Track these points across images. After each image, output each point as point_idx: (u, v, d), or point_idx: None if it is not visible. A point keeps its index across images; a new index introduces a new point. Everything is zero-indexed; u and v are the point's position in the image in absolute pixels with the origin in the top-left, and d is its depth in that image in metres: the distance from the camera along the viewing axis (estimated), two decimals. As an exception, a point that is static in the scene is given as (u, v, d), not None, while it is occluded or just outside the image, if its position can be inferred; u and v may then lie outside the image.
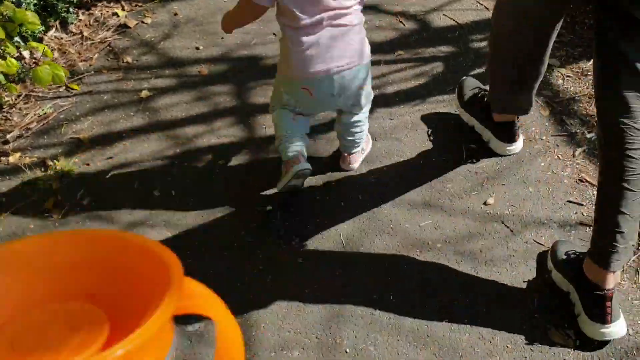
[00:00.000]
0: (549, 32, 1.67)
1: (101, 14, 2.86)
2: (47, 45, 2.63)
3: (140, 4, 2.92)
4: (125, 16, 2.84)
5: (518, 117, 1.94)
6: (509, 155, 1.99)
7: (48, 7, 2.63)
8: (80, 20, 2.80)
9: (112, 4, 2.92)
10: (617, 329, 1.48)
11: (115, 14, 2.85)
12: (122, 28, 2.77)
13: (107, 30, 2.76)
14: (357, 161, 1.98)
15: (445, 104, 2.21)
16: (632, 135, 1.38)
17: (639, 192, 1.40)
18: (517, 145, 1.98)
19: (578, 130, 2.02)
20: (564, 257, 1.63)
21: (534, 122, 2.08)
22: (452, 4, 2.69)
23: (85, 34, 2.74)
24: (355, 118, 1.86)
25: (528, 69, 1.76)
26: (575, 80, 2.21)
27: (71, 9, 2.75)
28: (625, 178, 1.39)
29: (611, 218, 1.43)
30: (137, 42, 2.69)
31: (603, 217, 1.49)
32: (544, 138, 2.03)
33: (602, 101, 1.47)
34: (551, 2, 1.61)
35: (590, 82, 2.18)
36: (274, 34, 2.64)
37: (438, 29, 2.56)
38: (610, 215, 1.44)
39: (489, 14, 2.56)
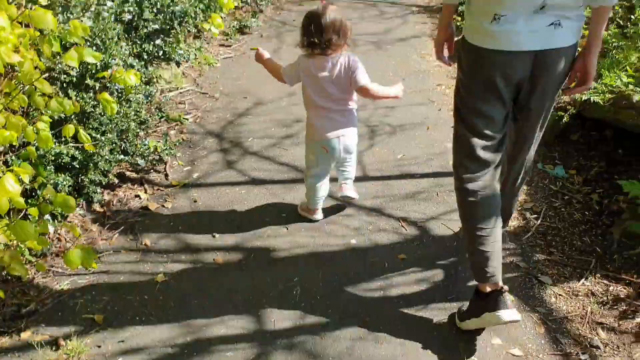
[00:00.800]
0: None
1: (125, 195, 3.07)
2: (70, 222, 2.80)
3: (162, 188, 3.15)
4: (147, 199, 3.05)
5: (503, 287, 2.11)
6: (506, 322, 2.07)
7: (78, 187, 2.84)
8: (105, 199, 3.00)
9: (135, 186, 3.15)
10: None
11: (138, 196, 3.07)
12: (144, 210, 2.97)
13: (129, 212, 2.95)
14: (348, 192, 2.90)
15: (446, 311, 2.34)
16: None
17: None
18: (514, 314, 2.06)
19: (572, 351, 2.14)
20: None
21: (531, 339, 2.20)
22: (449, 214, 2.93)
23: (107, 213, 2.92)
24: (348, 160, 2.85)
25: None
26: (567, 300, 2.37)
27: (98, 189, 2.96)
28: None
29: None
30: (156, 225, 2.86)
31: None
32: (540, 356, 2.13)
33: None
34: None
35: (582, 302, 2.35)
36: (286, 228, 2.83)
37: (437, 237, 2.77)
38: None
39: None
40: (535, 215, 2.88)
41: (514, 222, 2.84)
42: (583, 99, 3.25)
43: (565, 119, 3.32)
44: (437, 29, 2.34)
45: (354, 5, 7.03)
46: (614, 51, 3.60)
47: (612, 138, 3.24)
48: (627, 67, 3.35)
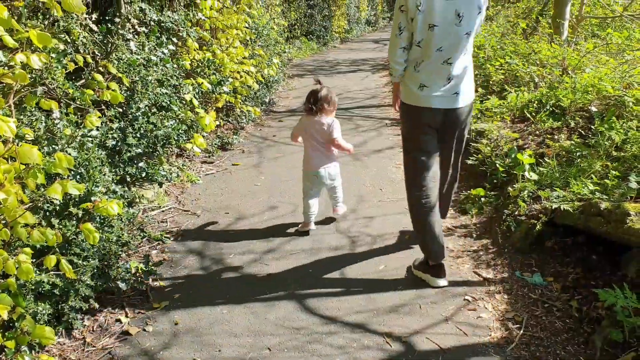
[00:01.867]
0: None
1: (105, 320, 3.03)
2: (48, 351, 2.74)
3: (143, 311, 3.12)
4: (128, 323, 3.01)
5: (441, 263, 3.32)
6: (440, 287, 3.28)
7: (58, 314, 2.80)
8: (85, 325, 2.96)
9: (117, 310, 3.12)
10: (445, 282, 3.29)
11: (119, 320, 3.03)
12: (124, 335, 2.92)
13: (110, 337, 2.90)
14: (341, 211, 4.22)
15: None
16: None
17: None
18: (445, 282, 3.30)
19: None
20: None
21: None
22: (433, 327, 2.93)
23: (87, 339, 2.87)
24: (335, 187, 4.09)
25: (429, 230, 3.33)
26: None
27: (78, 316, 2.92)
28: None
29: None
30: (137, 351, 2.81)
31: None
32: None
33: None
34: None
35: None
36: (269, 349, 2.80)
37: (423, 353, 2.75)
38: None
39: (468, 339, 2.80)
40: (518, 325, 2.89)
41: (497, 333, 2.85)
42: (553, 207, 3.37)
43: (538, 227, 3.43)
44: (392, 94, 3.58)
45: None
46: (578, 160, 3.78)
47: (585, 244, 3.32)
48: (592, 175, 3.52)
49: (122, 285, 3.12)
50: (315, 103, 3.86)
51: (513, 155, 4.14)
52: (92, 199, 2.82)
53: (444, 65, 3.06)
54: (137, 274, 3.28)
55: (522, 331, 2.85)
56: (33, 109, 2.91)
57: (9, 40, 2.35)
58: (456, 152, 3.43)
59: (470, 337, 2.84)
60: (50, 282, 2.68)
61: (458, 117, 3.20)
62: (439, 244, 3.28)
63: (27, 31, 2.37)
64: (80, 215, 2.84)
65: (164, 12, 4.63)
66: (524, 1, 9.79)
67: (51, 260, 2.32)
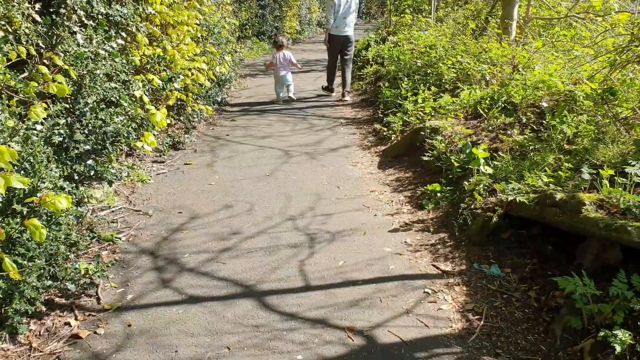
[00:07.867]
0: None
1: (53, 323, 2.87)
2: (-9, 357, 2.57)
3: (94, 313, 2.98)
4: (78, 326, 2.86)
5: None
6: (332, 95, 9.04)
7: (1, 318, 2.63)
8: (31, 330, 2.79)
9: (65, 313, 2.96)
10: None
11: (68, 323, 2.88)
12: (74, 339, 2.78)
13: (58, 341, 2.75)
14: (292, 95, 8.70)
15: None
16: None
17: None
18: (334, 95, 9.09)
19: None
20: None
21: None
22: (394, 320, 2.91)
23: (34, 344, 2.71)
24: (289, 84, 8.69)
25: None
26: None
27: (24, 319, 2.76)
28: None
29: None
30: (87, 355, 2.67)
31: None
32: None
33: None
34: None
35: None
36: (228, 347, 2.71)
37: (385, 345, 2.72)
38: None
39: (430, 331, 2.78)
40: (478, 317, 2.90)
41: (457, 325, 2.84)
42: (509, 199, 3.41)
43: (494, 219, 3.46)
44: (325, 35, 8.65)
45: (285, 120, 7.28)
46: (531, 153, 3.84)
47: (541, 235, 3.37)
48: (546, 168, 3.58)
49: (70, 287, 2.97)
50: (281, 44, 8.29)
51: (468, 150, 4.19)
52: (38, 195, 2.67)
53: (344, 20, 8.22)
54: (87, 275, 3.13)
55: (482, 322, 2.86)
56: (-28, 101, 2.73)
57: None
58: (348, 55, 8.50)
59: (432, 329, 2.83)
60: (-8, 284, 2.51)
61: (348, 39, 8.37)
62: (332, 80, 8.79)
63: (-35, 15, 2.22)
64: (24, 212, 2.67)
65: (112, 6, 4.46)
66: (472, 3, 9.98)
67: (-7, 259, 2.17)
